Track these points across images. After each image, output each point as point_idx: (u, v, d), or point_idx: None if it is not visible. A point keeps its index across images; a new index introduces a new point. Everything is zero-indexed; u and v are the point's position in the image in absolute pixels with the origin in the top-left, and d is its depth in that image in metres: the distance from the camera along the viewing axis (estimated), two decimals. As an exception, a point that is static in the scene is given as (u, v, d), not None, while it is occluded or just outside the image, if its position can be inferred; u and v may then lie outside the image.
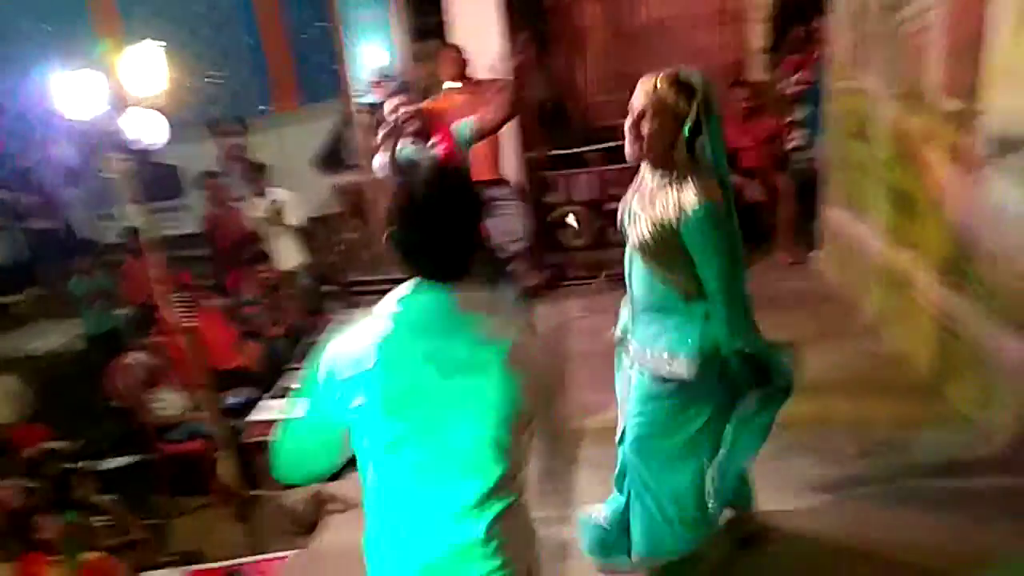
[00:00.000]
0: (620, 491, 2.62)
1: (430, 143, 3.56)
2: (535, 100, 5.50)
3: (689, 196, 2.16)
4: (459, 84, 5.01)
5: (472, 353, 1.55)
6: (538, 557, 1.74)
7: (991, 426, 3.17)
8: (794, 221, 5.46)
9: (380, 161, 3.60)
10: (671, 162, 2.22)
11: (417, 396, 1.55)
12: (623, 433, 2.52)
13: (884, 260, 4.17)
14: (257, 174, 6.34)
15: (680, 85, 2.16)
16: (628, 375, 2.53)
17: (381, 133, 3.57)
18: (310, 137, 7.44)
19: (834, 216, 5.00)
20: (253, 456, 4.21)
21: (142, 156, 3.99)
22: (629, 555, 2.58)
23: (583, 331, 4.65)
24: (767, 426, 2.39)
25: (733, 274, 2.23)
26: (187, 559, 4.05)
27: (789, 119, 5.47)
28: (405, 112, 3.53)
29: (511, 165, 5.37)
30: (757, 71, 5.94)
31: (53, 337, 6.69)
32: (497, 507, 1.60)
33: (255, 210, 6.21)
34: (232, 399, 4.80)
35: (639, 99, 2.20)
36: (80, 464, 4.69)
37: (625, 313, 2.52)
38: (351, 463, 1.69)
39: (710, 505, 2.43)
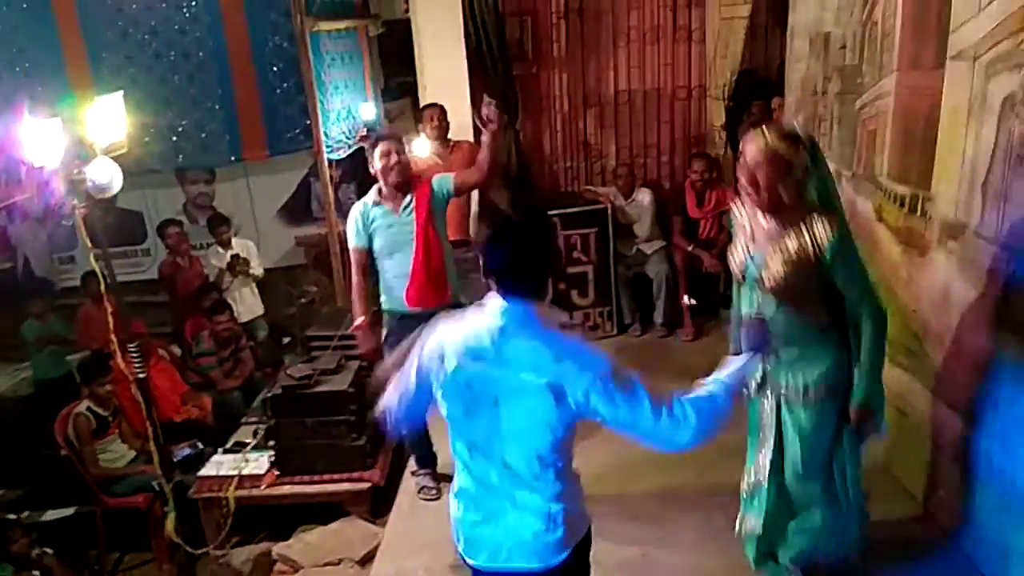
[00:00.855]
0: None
1: (407, 197, 3.60)
2: (502, 164, 5.58)
3: (820, 229, 2.36)
4: (437, 143, 5.11)
5: (538, 360, 1.89)
6: (587, 519, 2.10)
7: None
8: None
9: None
10: (784, 206, 2.40)
11: (477, 392, 1.95)
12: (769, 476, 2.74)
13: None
14: (221, 223, 6.34)
15: (787, 136, 2.36)
16: (771, 420, 2.69)
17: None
18: (279, 188, 7.48)
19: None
20: (199, 512, 4.11)
21: (106, 204, 3.95)
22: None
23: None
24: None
25: (874, 291, 2.50)
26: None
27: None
28: (400, 160, 3.58)
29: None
30: (719, 145, 6.10)
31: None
32: (546, 476, 1.96)
33: (217, 259, 6.18)
34: (182, 452, 4.68)
35: (752, 154, 2.38)
36: (21, 515, 4.52)
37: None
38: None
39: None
